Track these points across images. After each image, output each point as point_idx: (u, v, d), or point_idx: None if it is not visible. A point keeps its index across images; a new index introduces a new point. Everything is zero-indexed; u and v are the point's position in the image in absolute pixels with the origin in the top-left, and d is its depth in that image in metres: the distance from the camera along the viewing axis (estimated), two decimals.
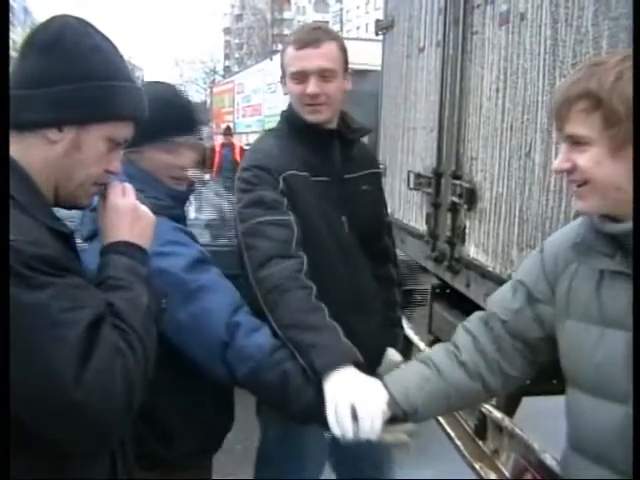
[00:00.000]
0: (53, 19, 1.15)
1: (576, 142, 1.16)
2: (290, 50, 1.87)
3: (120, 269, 1.19)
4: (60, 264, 1.05)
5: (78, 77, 1.12)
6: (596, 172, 1.14)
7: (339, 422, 1.37)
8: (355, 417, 1.37)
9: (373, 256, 2.09)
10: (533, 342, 1.39)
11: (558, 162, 1.21)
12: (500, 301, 1.44)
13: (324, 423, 1.41)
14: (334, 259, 1.91)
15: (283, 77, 1.93)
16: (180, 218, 1.66)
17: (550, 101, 2.32)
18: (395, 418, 1.43)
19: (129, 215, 1.26)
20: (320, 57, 1.83)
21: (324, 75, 1.84)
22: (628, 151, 1.10)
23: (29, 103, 1.10)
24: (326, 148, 1.94)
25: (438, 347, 1.55)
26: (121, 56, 1.22)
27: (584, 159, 1.15)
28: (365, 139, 2.22)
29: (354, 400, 1.37)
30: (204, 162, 12.69)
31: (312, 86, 1.83)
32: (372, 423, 1.36)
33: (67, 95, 1.11)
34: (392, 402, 1.42)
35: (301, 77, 1.85)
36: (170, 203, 1.62)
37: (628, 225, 1.13)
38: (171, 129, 1.58)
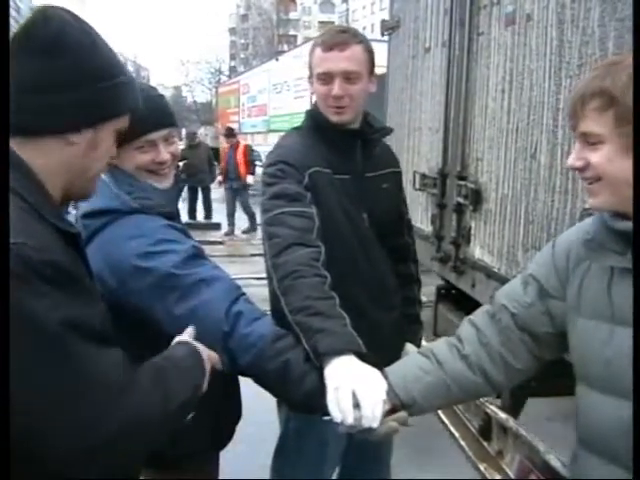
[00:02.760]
0: (48, 17, 1.13)
1: (589, 140, 1.18)
2: (317, 51, 1.92)
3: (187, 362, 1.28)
4: (66, 270, 1.05)
5: (92, 78, 1.14)
6: (608, 169, 1.16)
7: (340, 407, 1.36)
8: (355, 405, 1.37)
9: (393, 253, 2.12)
10: (542, 336, 1.39)
11: (571, 159, 1.22)
12: (510, 294, 1.44)
13: (324, 412, 1.41)
14: (355, 253, 1.96)
15: (310, 77, 1.98)
16: (172, 216, 1.67)
17: (556, 102, 2.32)
18: (394, 410, 1.43)
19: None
20: (345, 60, 1.87)
21: (349, 77, 1.88)
22: None
23: (49, 109, 1.11)
24: (348, 147, 1.99)
25: (441, 340, 1.56)
26: (111, 48, 1.24)
27: (596, 156, 1.17)
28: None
29: (355, 387, 1.38)
30: (210, 161, 12.64)
31: (336, 88, 1.88)
32: (373, 410, 1.36)
33: (87, 98, 1.13)
34: (391, 392, 1.43)
35: (326, 78, 1.90)
36: (160, 201, 1.63)
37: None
38: (138, 129, 1.58)
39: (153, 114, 1.62)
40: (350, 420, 1.35)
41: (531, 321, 1.39)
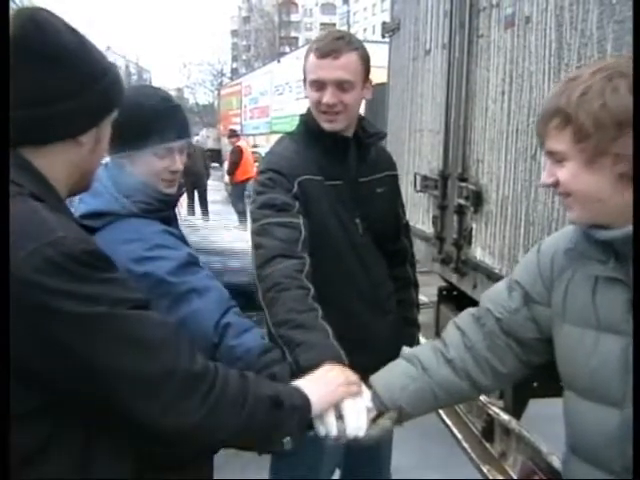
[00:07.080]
0: (39, 23, 1.10)
1: (555, 157, 1.19)
2: (311, 58, 1.89)
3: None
4: (104, 258, 1.08)
5: (93, 79, 1.15)
6: (574, 185, 1.17)
7: (323, 420, 1.36)
8: (339, 416, 1.36)
9: (389, 257, 2.12)
10: (528, 342, 1.39)
11: (543, 177, 1.24)
12: (495, 299, 1.44)
13: (309, 426, 1.42)
14: (347, 259, 1.95)
15: (305, 81, 1.96)
16: (170, 220, 1.68)
17: None
18: (381, 415, 1.43)
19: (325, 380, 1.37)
20: (339, 68, 1.84)
21: (342, 86, 1.86)
22: (601, 163, 1.12)
23: (61, 118, 1.12)
24: (341, 152, 1.97)
25: (426, 344, 1.55)
26: (92, 42, 1.24)
27: (562, 173, 1.18)
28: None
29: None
30: (205, 162, 12.80)
31: (328, 96, 1.85)
32: (357, 420, 1.36)
33: (92, 99, 1.15)
34: (377, 401, 1.43)
35: (319, 86, 1.87)
36: (159, 206, 1.63)
37: (618, 232, 1.15)
38: (162, 136, 1.59)
39: (177, 124, 1.65)
40: (334, 432, 1.35)
41: (516, 326, 1.38)
